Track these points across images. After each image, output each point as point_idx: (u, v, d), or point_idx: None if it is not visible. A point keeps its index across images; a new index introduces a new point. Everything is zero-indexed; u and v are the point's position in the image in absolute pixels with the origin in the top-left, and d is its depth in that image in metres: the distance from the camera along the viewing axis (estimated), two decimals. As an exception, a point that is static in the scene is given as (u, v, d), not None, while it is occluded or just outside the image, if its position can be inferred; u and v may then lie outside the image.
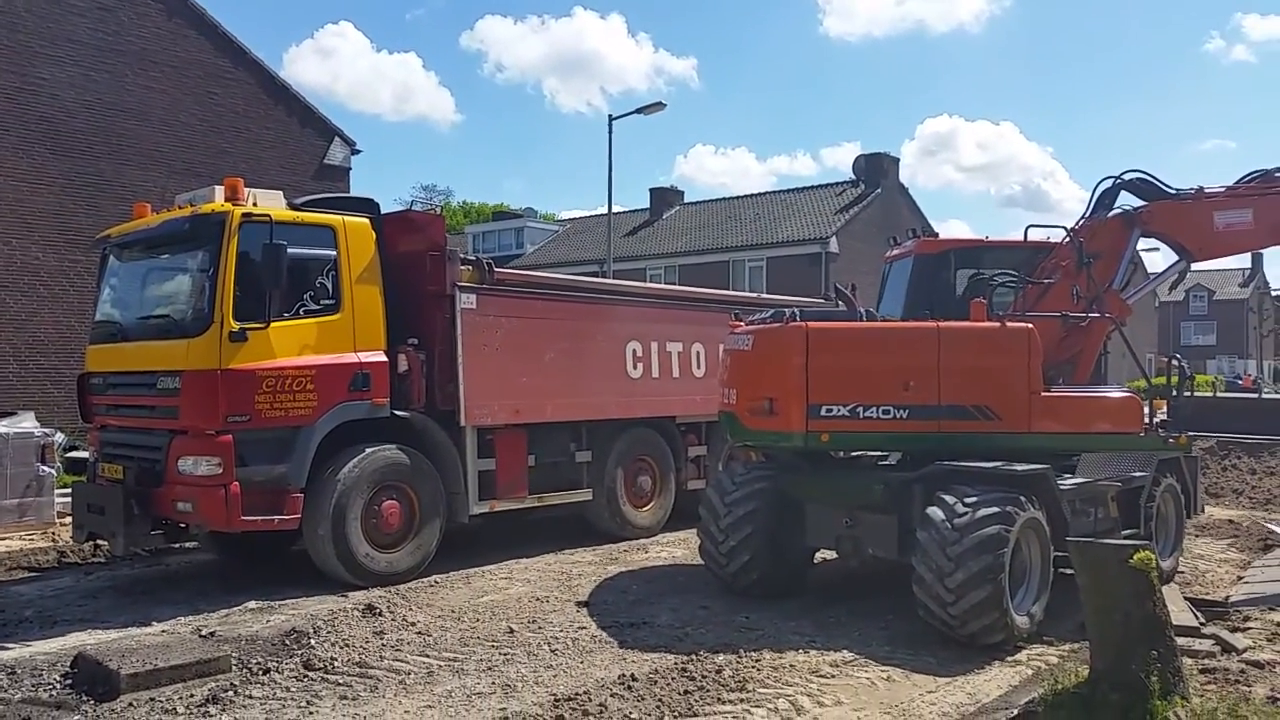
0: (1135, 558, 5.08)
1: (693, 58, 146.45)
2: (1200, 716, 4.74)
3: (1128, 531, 8.03)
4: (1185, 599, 7.64)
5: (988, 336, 7.52)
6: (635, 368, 10.93)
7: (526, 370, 9.68)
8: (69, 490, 9.79)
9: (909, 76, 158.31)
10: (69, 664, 6.09)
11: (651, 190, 43.76)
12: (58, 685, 5.86)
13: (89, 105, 17.85)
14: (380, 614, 7.26)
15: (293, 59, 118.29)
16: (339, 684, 5.87)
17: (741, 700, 5.59)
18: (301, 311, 8.32)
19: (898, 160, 39.06)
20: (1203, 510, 10.65)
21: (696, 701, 5.54)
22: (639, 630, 7.06)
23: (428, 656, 6.41)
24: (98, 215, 16.43)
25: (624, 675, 5.92)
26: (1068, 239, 8.52)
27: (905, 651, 6.56)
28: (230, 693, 5.63)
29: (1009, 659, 6.44)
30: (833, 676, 6.07)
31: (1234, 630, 6.91)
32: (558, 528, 10.86)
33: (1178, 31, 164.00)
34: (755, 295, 15.08)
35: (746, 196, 42.62)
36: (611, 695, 5.59)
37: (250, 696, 5.62)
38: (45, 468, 11.58)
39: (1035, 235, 9.07)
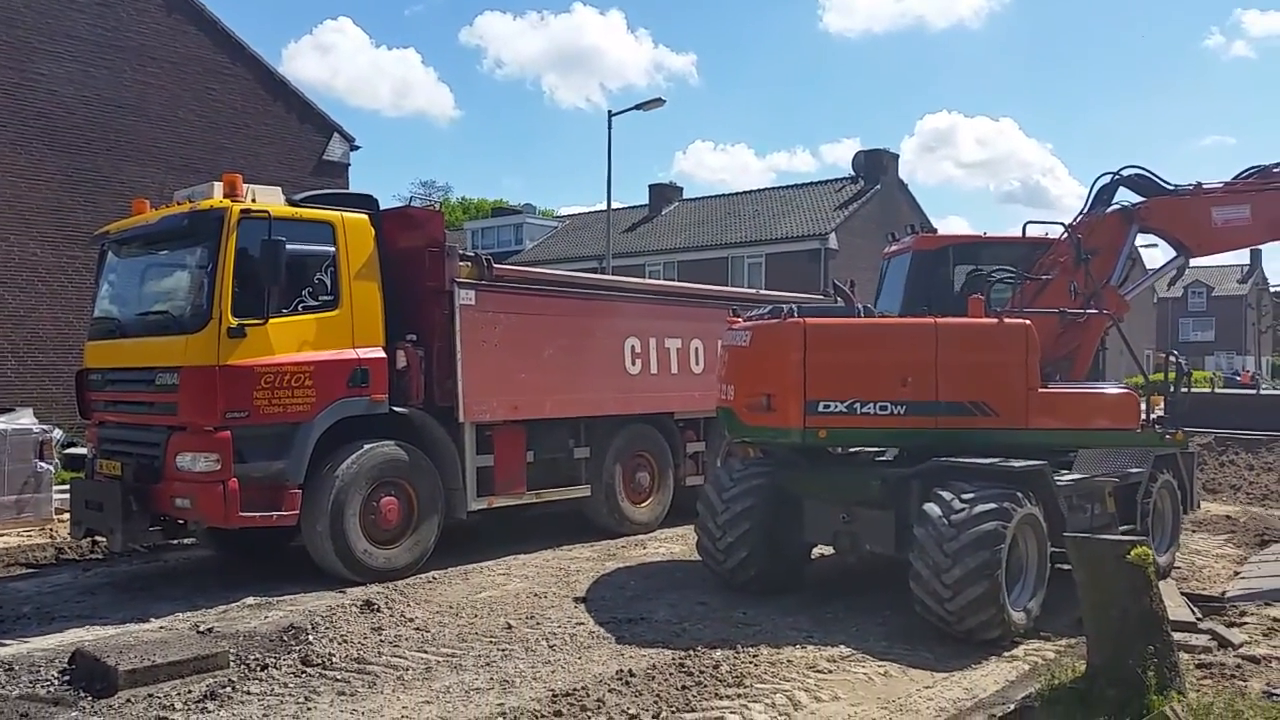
0: (1132, 553, 5.10)
1: (692, 54, 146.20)
2: (1196, 711, 4.75)
3: (1125, 527, 8.04)
4: (1182, 594, 7.66)
5: (985, 333, 7.53)
6: (634, 364, 10.94)
7: (525, 366, 9.68)
8: (67, 486, 9.79)
9: (908, 73, 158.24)
10: (67, 660, 6.10)
11: (651, 186, 43.76)
12: (55, 682, 5.87)
13: (87, 101, 17.83)
14: (378, 610, 7.27)
15: (291, 55, 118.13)
16: (337, 680, 5.88)
17: (739, 695, 5.60)
18: (300, 307, 8.33)
19: (897, 156, 39.08)
20: (1199, 506, 10.68)
21: (694, 697, 5.55)
22: (637, 626, 7.07)
23: (426, 652, 6.42)
24: (96, 211, 16.43)
25: (622, 671, 5.93)
26: (1066, 235, 8.52)
27: (902, 647, 6.58)
28: (228, 689, 5.64)
29: (1006, 654, 6.46)
30: (830, 672, 6.08)
31: (1230, 625, 6.94)
32: (556, 524, 10.87)
33: (1177, 27, 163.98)
34: (754, 291, 15.08)
35: (746, 193, 42.61)
36: (609, 691, 5.60)
37: (248, 692, 5.63)
38: (43, 464, 11.58)
39: (1034, 231, 9.09)
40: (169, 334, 8.18)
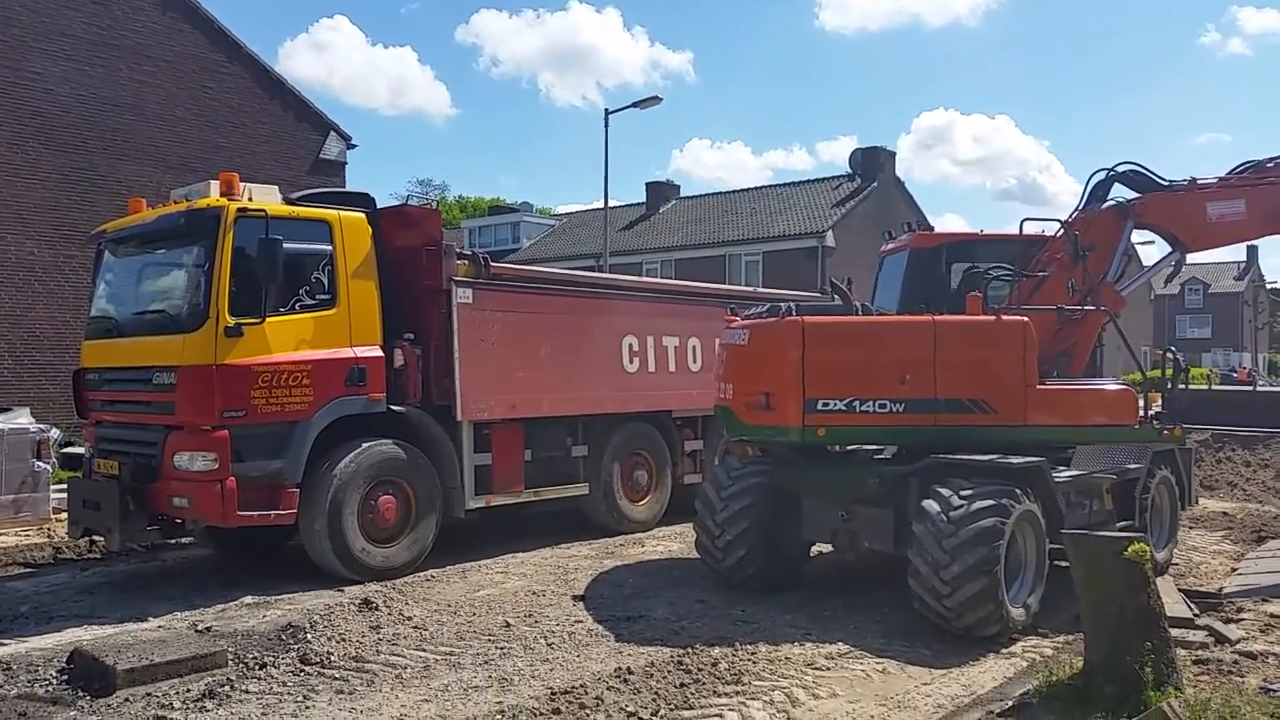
0: (1130, 550, 5.11)
1: (689, 52, 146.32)
2: (1193, 707, 4.76)
3: (1122, 524, 8.05)
4: (1179, 590, 7.67)
5: (983, 330, 7.54)
6: (631, 362, 10.94)
7: (523, 365, 9.67)
8: (65, 486, 9.79)
9: (905, 70, 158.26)
10: (65, 660, 6.10)
11: (648, 184, 43.69)
12: (54, 681, 5.86)
13: (83, 100, 17.80)
14: (376, 609, 7.27)
15: (288, 53, 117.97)
16: (335, 678, 5.87)
17: (737, 693, 5.60)
18: (297, 306, 8.32)
19: (894, 154, 39.08)
20: (1197, 502, 10.70)
21: (692, 694, 5.56)
22: (635, 624, 7.07)
23: (424, 651, 6.42)
24: (93, 210, 16.39)
25: (620, 668, 5.93)
26: (1062, 232, 8.53)
27: (901, 644, 6.58)
28: (226, 687, 5.63)
29: (1004, 651, 6.47)
30: (828, 669, 6.09)
31: (1227, 621, 6.95)
32: (554, 522, 10.87)
33: (1173, 24, 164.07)
34: (751, 289, 15.06)
35: (743, 191, 42.59)
36: (608, 688, 5.60)
37: (246, 691, 5.63)
38: (41, 464, 11.57)
39: (1031, 229, 9.10)
40: (166, 333, 8.17)
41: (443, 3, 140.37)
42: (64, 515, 9.87)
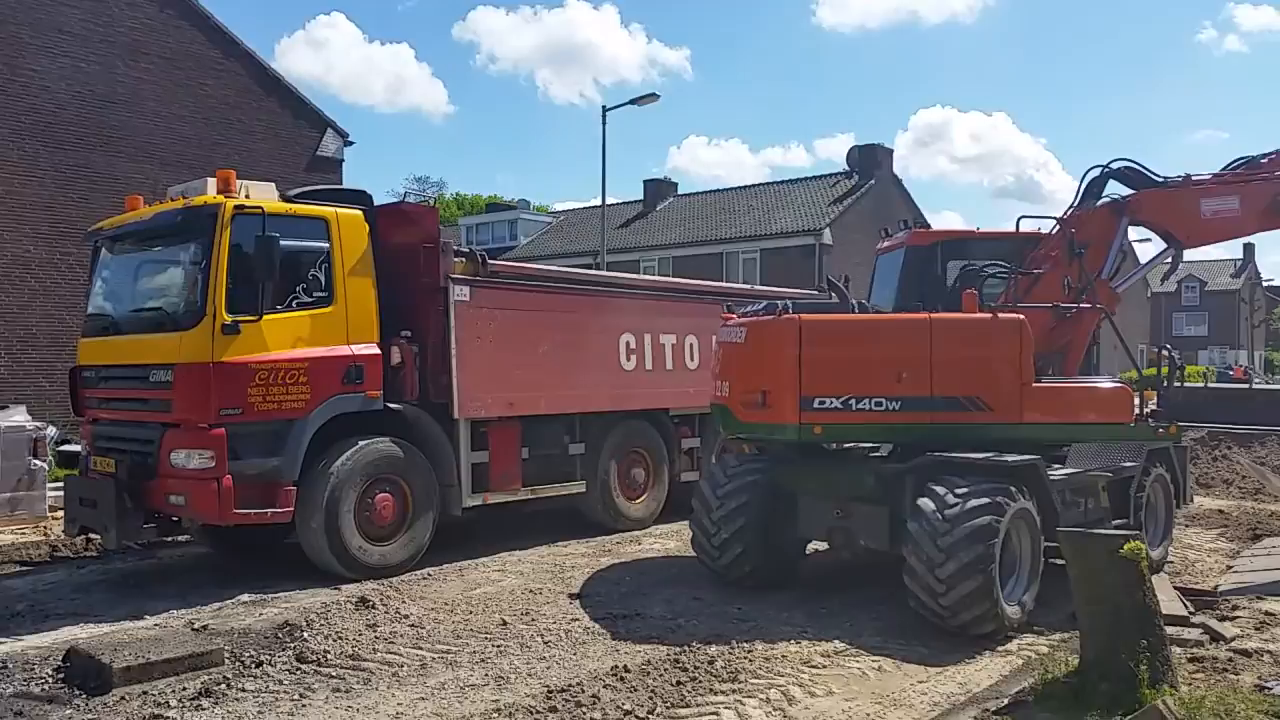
0: (1125, 548, 5.12)
1: (686, 49, 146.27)
2: (1188, 705, 4.77)
3: (1118, 521, 8.07)
4: (1175, 588, 7.69)
5: (979, 328, 7.54)
6: (629, 360, 10.94)
7: (520, 363, 9.67)
8: (61, 484, 9.77)
9: (902, 67, 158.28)
10: (61, 658, 6.09)
11: (645, 182, 43.66)
12: (49, 679, 5.86)
13: (80, 97, 17.76)
14: (373, 607, 7.27)
15: (284, 50, 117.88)
16: (332, 677, 5.88)
17: (734, 691, 5.61)
18: (294, 304, 8.31)
19: (891, 151, 39.03)
20: (1192, 500, 10.72)
21: (689, 692, 5.56)
22: (632, 622, 7.08)
23: (421, 649, 6.42)
24: (89, 208, 16.36)
25: (616, 666, 5.94)
26: (1057, 229, 8.54)
27: (896, 642, 6.60)
28: (223, 686, 5.64)
29: (1000, 649, 6.49)
30: (824, 667, 6.10)
31: (1222, 619, 6.96)
32: (551, 520, 10.87)
33: (1171, 22, 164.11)
34: (748, 287, 15.07)
35: (740, 188, 42.57)
36: (604, 686, 5.61)
37: (243, 689, 5.63)
38: (37, 461, 11.54)
39: (1027, 226, 9.09)
40: (163, 331, 8.17)
41: (440, 0, 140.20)
42: (60, 513, 9.86)
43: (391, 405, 8.76)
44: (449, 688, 5.71)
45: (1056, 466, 7.86)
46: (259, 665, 6.01)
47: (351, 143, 22.08)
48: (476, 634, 6.76)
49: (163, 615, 7.36)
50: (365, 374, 8.58)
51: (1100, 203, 8.74)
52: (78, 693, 5.62)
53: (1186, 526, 10.89)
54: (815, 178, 39.78)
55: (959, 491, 6.73)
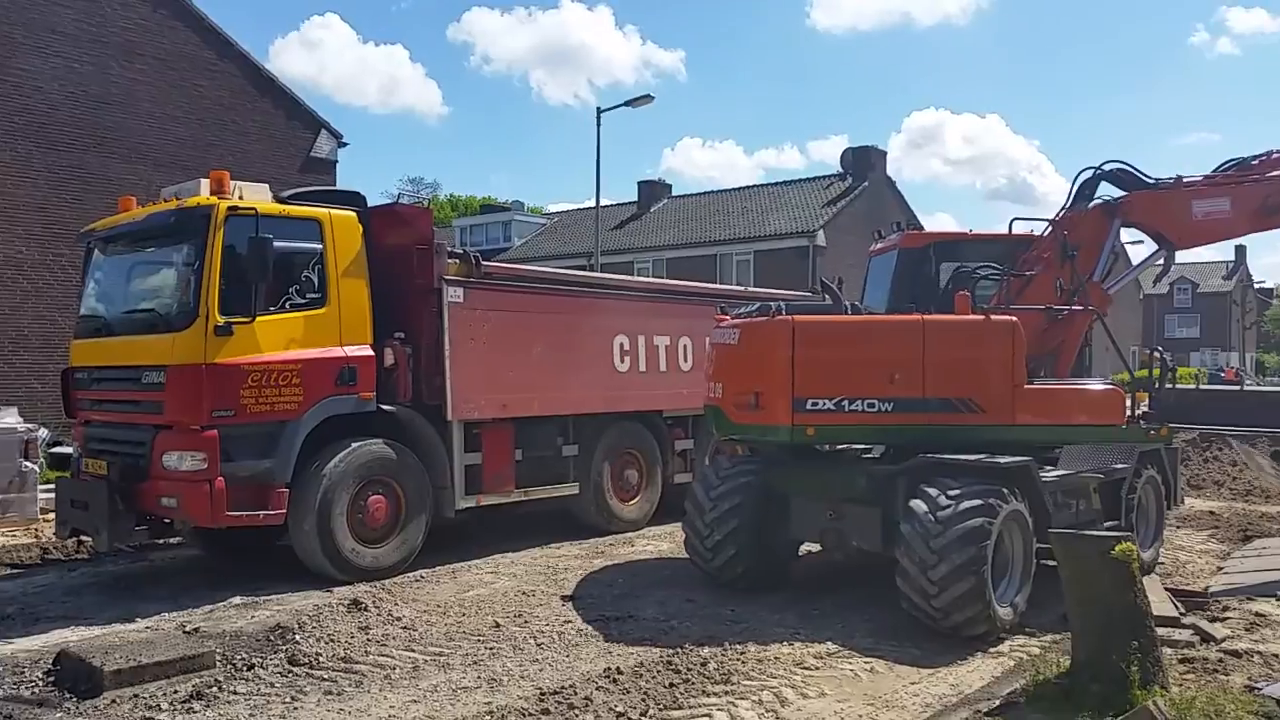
0: (1116, 549, 5.14)
1: (680, 50, 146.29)
2: (1179, 706, 4.79)
3: (1109, 523, 8.09)
4: (1166, 589, 7.71)
5: (972, 329, 7.56)
6: (622, 362, 10.94)
7: (514, 364, 9.67)
8: (52, 486, 9.75)
9: (895, 69, 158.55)
10: (52, 661, 6.06)
11: (639, 183, 43.74)
12: (40, 683, 5.83)
13: (73, 97, 17.73)
14: (365, 609, 7.25)
15: (279, 51, 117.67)
16: (324, 679, 5.87)
17: (726, 692, 5.61)
18: (287, 305, 8.29)
19: (885, 153, 39.13)
20: (1183, 502, 10.76)
21: (681, 694, 5.57)
22: (624, 623, 7.08)
23: (413, 651, 6.42)
24: (82, 209, 16.34)
25: (609, 668, 5.94)
26: (1050, 230, 8.56)
27: (889, 643, 6.61)
28: (214, 689, 5.62)
29: (992, 650, 6.50)
30: (817, 668, 6.11)
31: (1213, 620, 6.99)
32: (544, 522, 10.87)
33: (1163, 24, 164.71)
34: (742, 289, 15.08)
35: (734, 190, 42.67)
36: (597, 688, 5.61)
37: (235, 692, 5.62)
38: (28, 463, 11.52)
39: (1020, 228, 9.13)
40: (155, 332, 8.15)
41: (434, 1, 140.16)
42: (51, 515, 9.83)
43: (385, 407, 8.75)
44: (441, 690, 5.70)
45: (1048, 468, 7.89)
46: (251, 668, 5.99)
47: (345, 144, 22.10)
48: (469, 636, 6.76)
49: (154, 618, 7.33)
50: (358, 375, 8.57)
51: (1092, 204, 8.78)
52: (68, 696, 5.60)
53: (1178, 528, 10.93)
54: (809, 179, 39.88)
55: (951, 493, 6.74)
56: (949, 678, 5.99)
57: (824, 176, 39.12)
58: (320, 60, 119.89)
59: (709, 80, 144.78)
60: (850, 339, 7.64)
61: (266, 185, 8.79)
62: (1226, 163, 8.92)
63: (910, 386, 7.38)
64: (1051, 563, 5.86)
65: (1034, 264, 8.53)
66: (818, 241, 33.50)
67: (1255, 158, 8.76)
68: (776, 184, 41.26)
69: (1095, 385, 8.59)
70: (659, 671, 5.88)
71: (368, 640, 6.61)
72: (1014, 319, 7.60)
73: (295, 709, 5.41)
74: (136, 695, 5.55)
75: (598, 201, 29.52)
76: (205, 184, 8.27)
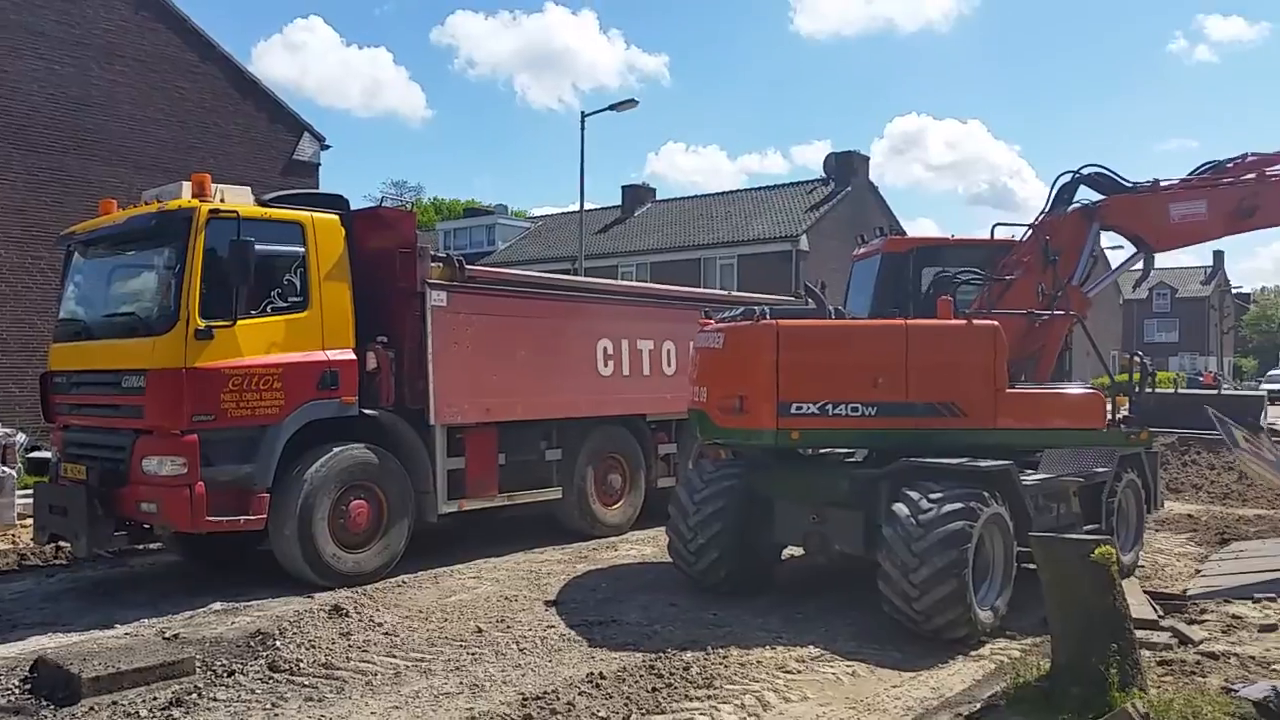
0: (1096, 553, 5.16)
1: (664, 55, 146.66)
2: (1157, 708, 4.82)
3: (1089, 526, 8.14)
4: (1145, 592, 7.77)
5: (955, 334, 7.60)
6: (606, 366, 10.94)
7: (497, 368, 9.65)
8: (30, 491, 9.64)
9: (878, 75, 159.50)
10: (29, 668, 5.99)
11: (624, 187, 43.80)
12: (16, 690, 5.77)
13: (53, 99, 17.57)
14: (347, 615, 7.22)
15: (261, 54, 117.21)
16: (305, 685, 5.83)
17: (709, 697, 5.62)
18: (269, 309, 8.25)
19: (867, 159, 39.36)
20: (1163, 505, 10.84)
21: (664, 699, 5.56)
22: (607, 628, 7.07)
23: (395, 657, 6.39)
24: (62, 211, 16.18)
25: (592, 673, 5.93)
26: (1030, 235, 8.62)
27: (871, 646, 6.63)
28: (194, 695, 5.58)
29: (972, 653, 6.53)
30: (799, 672, 6.12)
31: (1191, 622, 7.05)
32: (527, 527, 10.85)
33: (1142, 32, 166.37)
34: (726, 293, 15.12)
35: (718, 194, 42.75)
36: (579, 694, 5.60)
37: (214, 699, 5.58)
38: (6, 468, 11.39)
39: (1003, 233, 9.19)
40: (136, 336, 8.08)
41: (418, 4, 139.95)
42: (29, 521, 9.72)
43: (367, 411, 8.71)
44: (423, 696, 5.68)
45: (1029, 472, 7.93)
46: (231, 674, 5.95)
47: (328, 146, 21.99)
48: (451, 642, 6.73)
49: (133, 624, 7.27)
50: (340, 379, 8.53)
51: (1071, 208, 8.84)
52: (45, 704, 5.54)
53: (1157, 531, 11.01)
54: (792, 184, 40.04)
55: (933, 496, 6.77)
56: (930, 681, 6.01)
57: (807, 181, 39.28)
58: (303, 63, 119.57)
59: (693, 85, 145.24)
60: (834, 343, 7.67)
61: (248, 188, 8.75)
62: (1202, 166, 9.02)
63: (894, 391, 7.41)
64: (1032, 566, 5.89)
65: (1014, 268, 8.59)
66: (801, 246, 33.63)
67: (1230, 161, 8.87)
68: (760, 189, 41.40)
69: (1076, 389, 8.65)
70: (641, 676, 5.88)
71: (349, 646, 6.58)
72: (996, 324, 7.65)
73: (276, 715, 5.38)
74: (115, 703, 5.50)
75: (582, 205, 29.53)
76: (187, 187, 8.23)
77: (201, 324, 7.77)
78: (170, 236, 8.00)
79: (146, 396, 7.85)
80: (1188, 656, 6.18)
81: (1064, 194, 8.89)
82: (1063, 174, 8.91)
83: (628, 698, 5.55)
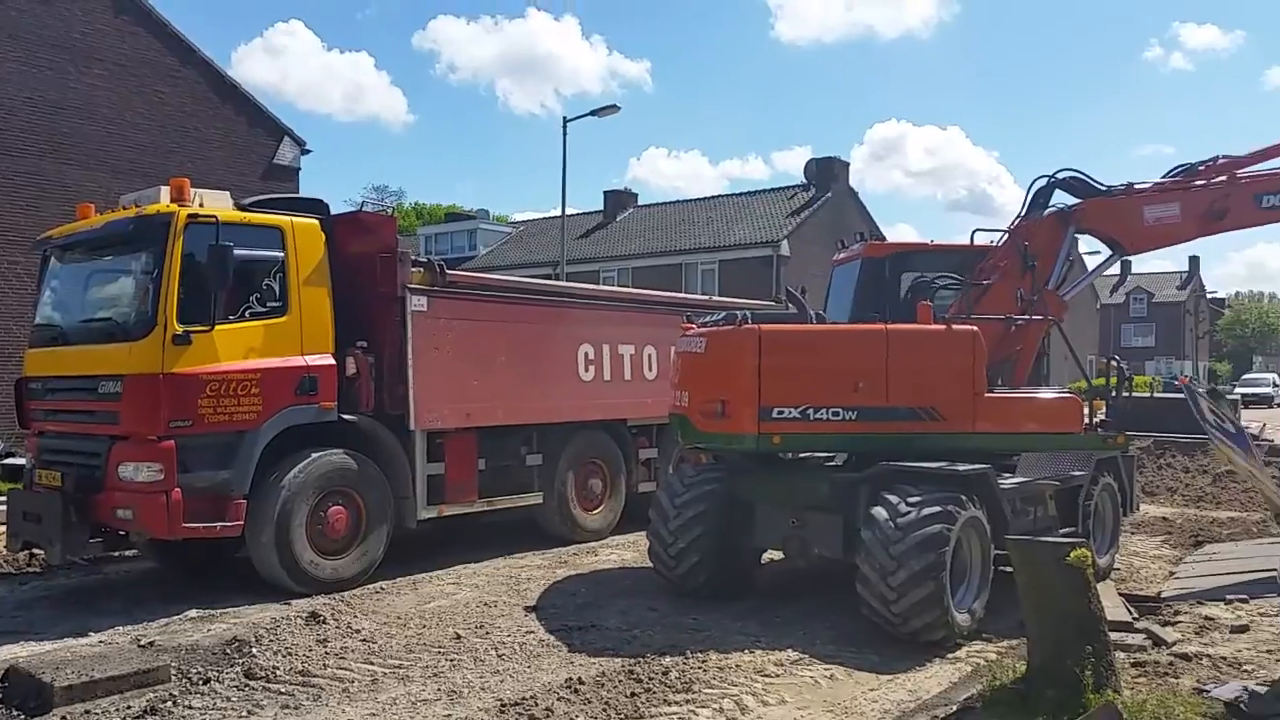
0: (1072, 556, 5.21)
1: (646, 61, 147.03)
2: (1130, 709, 4.87)
3: (1066, 529, 8.21)
4: (1120, 594, 7.85)
5: (934, 339, 7.65)
6: (587, 370, 10.93)
7: (478, 373, 9.62)
8: (4, 498, 9.54)
9: (858, 82, 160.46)
10: (0, 677, 5.92)
11: (605, 193, 43.80)
12: (-12, 699, 5.71)
13: (31, 102, 17.41)
14: (324, 622, 7.17)
15: (242, 58, 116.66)
16: (281, 693, 5.79)
17: (687, 701, 5.62)
18: (247, 314, 8.21)
19: (848, 165, 39.50)
20: (1138, 508, 10.94)
21: (643, 704, 5.56)
22: (587, 633, 7.06)
23: (372, 664, 6.35)
24: (39, 216, 16.01)
25: (571, 679, 5.91)
26: (1006, 239, 8.69)
27: (849, 650, 6.65)
28: (169, 704, 5.53)
29: (950, 656, 6.56)
30: (777, 676, 6.14)
31: (1165, 624, 7.11)
32: (507, 532, 10.81)
33: (1119, 40, 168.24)
34: (707, 298, 15.15)
35: (700, 200, 42.83)
36: (558, 699, 5.59)
37: (190, 707, 5.53)
38: (-20, 475, 11.26)
39: (982, 239, 9.25)
40: (113, 341, 8.03)
41: (400, 8, 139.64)
42: (2, 528, 9.61)
43: (346, 416, 8.67)
44: (400, 703, 5.65)
45: (1007, 475, 7.99)
46: (206, 682, 5.91)
47: (309, 151, 21.89)
48: (429, 648, 6.70)
49: (108, 632, 7.20)
50: (319, 385, 8.49)
51: (1047, 212, 8.93)
52: (16, 714, 5.48)
53: (1132, 534, 11.11)
54: (773, 190, 40.17)
55: (911, 500, 6.81)
56: (907, 684, 6.04)
57: (788, 187, 39.40)
58: (284, 67, 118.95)
59: (675, 91, 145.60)
60: (815, 348, 7.70)
61: (228, 193, 8.70)
62: (1175, 169, 9.13)
63: (874, 395, 7.45)
64: (1009, 569, 5.94)
65: (990, 273, 8.65)
66: (782, 251, 33.72)
67: (1202, 163, 8.98)
68: (741, 194, 41.48)
69: (1053, 394, 8.72)
70: (621, 681, 5.87)
71: (326, 653, 6.53)
72: (975, 329, 7.71)
73: (252, 723, 5.33)
74: (88, 711, 5.45)
75: (564, 210, 29.52)
76: (165, 191, 8.17)
77: (179, 329, 7.72)
78: (148, 241, 7.94)
79: (123, 402, 7.79)
80: (1161, 658, 6.24)
81: (1040, 198, 8.96)
82: (1038, 178, 9.01)
83: (606, 703, 5.54)
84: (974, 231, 9.30)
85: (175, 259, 7.80)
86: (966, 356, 7.61)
